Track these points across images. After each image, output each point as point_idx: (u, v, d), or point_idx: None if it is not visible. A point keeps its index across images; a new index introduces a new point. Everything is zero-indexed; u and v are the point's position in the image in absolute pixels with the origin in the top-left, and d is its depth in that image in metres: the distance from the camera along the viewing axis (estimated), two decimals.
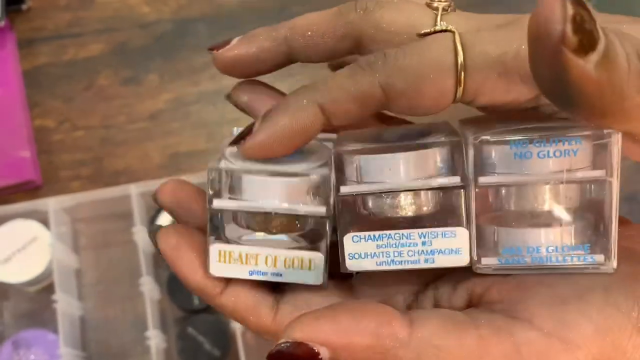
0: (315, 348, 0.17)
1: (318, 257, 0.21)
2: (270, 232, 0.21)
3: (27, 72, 0.60)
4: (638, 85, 0.16)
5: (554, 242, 0.19)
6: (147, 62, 0.63)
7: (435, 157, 0.20)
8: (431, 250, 0.20)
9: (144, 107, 0.61)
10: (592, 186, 0.19)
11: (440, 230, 0.20)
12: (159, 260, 0.54)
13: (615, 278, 0.19)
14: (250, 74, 0.24)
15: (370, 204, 0.21)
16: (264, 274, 0.21)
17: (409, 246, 0.20)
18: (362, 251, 0.21)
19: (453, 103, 0.21)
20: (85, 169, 0.57)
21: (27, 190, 0.55)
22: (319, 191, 0.21)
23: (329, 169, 0.21)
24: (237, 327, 0.48)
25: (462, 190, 0.20)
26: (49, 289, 0.50)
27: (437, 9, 0.21)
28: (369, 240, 0.21)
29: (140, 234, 0.50)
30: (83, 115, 0.60)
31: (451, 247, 0.20)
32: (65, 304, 0.48)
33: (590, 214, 0.20)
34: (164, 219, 0.52)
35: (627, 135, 0.19)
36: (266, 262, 0.21)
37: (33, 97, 0.60)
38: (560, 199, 0.19)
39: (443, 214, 0.21)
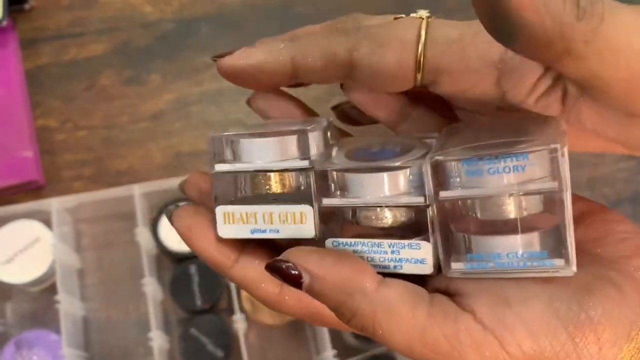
0: (301, 272, 0.21)
1: (307, 210, 0.23)
2: (268, 193, 0.24)
3: (29, 71, 0.60)
4: (574, 12, 0.17)
5: (513, 248, 0.21)
6: (149, 62, 0.63)
7: (406, 176, 0.22)
8: (399, 259, 0.23)
9: (146, 107, 0.61)
10: (547, 196, 0.21)
11: (406, 242, 0.22)
12: (161, 260, 0.54)
13: (568, 286, 0.20)
14: (254, 84, 0.27)
15: (351, 214, 0.23)
16: (263, 231, 0.24)
17: (380, 253, 0.23)
18: None
19: (414, 84, 0.24)
20: (87, 169, 0.57)
21: (29, 190, 0.55)
22: (305, 148, 0.23)
23: (318, 129, 0.24)
24: (240, 327, 0.48)
25: (427, 208, 0.22)
26: (52, 289, 0.50)
27: (421, 17, 0.24)
28: (346, 246, 0.23)
29: (143, 235, 0.50)
30: (85, 115, 0.60)
31: (417, 257, 0.22)
32: (68, 305, 0.48)
33: (547, 222, 0.21)
34: (167, 220, 0.52)
35: (580, 88, 0.20)
36: (264, 219, 0.24)
37: (35, 97, 0.59)
38: (517, 209, 0.21)
39: (415, 226, 0.23)
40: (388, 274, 0.22)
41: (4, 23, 0.58)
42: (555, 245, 0.21)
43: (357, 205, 0.22)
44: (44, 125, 0.59)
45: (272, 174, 0.24)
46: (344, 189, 0.23)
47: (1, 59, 0.59)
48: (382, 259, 0.23)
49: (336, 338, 0.48)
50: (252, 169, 0.24)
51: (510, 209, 0.21)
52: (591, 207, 0.24)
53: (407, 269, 0.22)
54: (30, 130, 0.57)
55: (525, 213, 0.21)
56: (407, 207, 0.22)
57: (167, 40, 0.64)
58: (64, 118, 0.59)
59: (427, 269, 0.22)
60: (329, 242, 0.23)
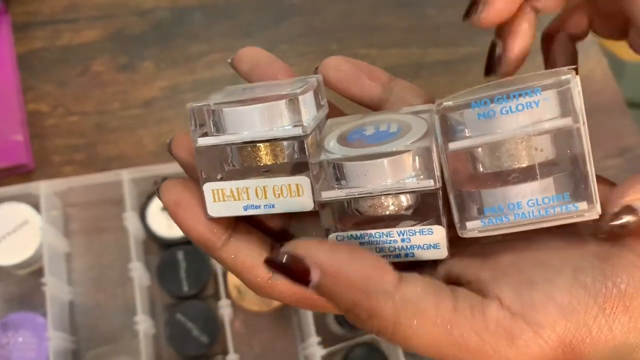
0: (309, 267, 0.19)
1: (304, 181, 0.21)
2: (259, 165, 0.22)
3: (21, 56, 0.60)
4: None
5: (534, 195, 0.19)
6: (143, 50, 0.63)
7: (412, 159, 0.20)
8: (410, 246, 0.21)
9: (139, 94, 0.61)
10: (563, 135, 0.19)
11: (417, 228, 0.21)
12: (149, 246, 0.54)
13: (587, 258, 0.19)
14: None
15: (353, 204, 0.22)
16: (257, 207, 0.22)
17: (389, 243, 0.21)
18: None
19: None
20: (78, 154, 0.57)
21: (19, 174, 0.55)
22: (297, 114, 0.21)
23: (309, 90, 0.22)
24: (225, 314, 0.48)
25: (437, 191, 0.20)
26: (39, 272, 0.50)
27: None
28: (352, 239, 0.22)
29: (131, 220, 0.50)
30: (77, 101, 0.60)
31: (429, 242, 0.21)
32: (54, 288, 0.48)
33: (566, 163, 0.20)
34: (155, 206, 0.53)
35: None
36: (257, 194, 0.22)
37: (27, 81, 0.59)
38: (533, 152, 0.19)
39: (423, 210, 0.21)
40: (399, 263, 0.21)
41: None
42: (575, 189, 0.19)
43: (361, 195, 0.21)
44: (35, 109, 0.59)
45: (261, 145, 0.21)
46: (342, 179, 0.21)
47: None
48: (392, 248, 0.21)
49: (321, 325, 0.49)
50: (239, 141, 0.21)
51: (527, 154, 0.19)
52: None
53: (420, 255, 0.21)
54: (21, 114, 0.57)
55: (542, 157, 0.19)
56: (417, 191, 0.20)
57: (162, 28, 0.64)
58: (56, 103, 0.59)
59: (442, 253, 0.21)
60: (332, 236, 0.22)
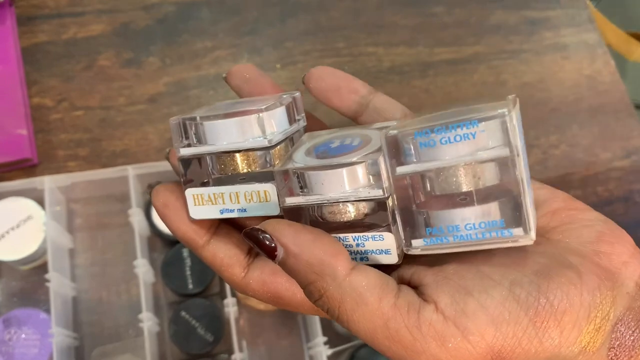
0: (277, 245, 0.21)
1: (271, 188, 0.23)
2: (236, 173, 0.24)
3: (26, 49, 0.60)
4: None
5: (471, 219, 0.21)
6: (148, 45, 0.62)
7: (364, 170, 0.22)
8: (365, 251, 0.23)
9: (144, 89, 0.60)
10: (502, 164, 0.20)
11: (370, 234, 0.22)
12: (154, 243, 0.53)
13: (526, 273, 0.20)
14: None
15: (316, 211, 0.23)
16: (231, 211, 0.24)
17: (345, 247, 0.22)
18: None
19: None
20: (82, 149, 0.57)
21: (23, 168, 0.55)
22: (263, 127, 0.24)
23: (278, 106, 0.25)
24: (230, 312, 0.48)
25: (386, 199, 0.22)
26: (42, 268, 0.49)
27: None
28: None
29: (136, 216, 0.50)
30: (82, 95, 0.59)
31: (381, 248, 0.22)
32: (58, 284, 0.48)
33: (505, 191, 0.21)
34: None
35: None
36: (231, 199, 0.24)
37: (32, 75, 0.59)
38: (472, 180, 0.21)
39: (377, 217, 0.23)
40: None
41: None
42: (513, 215, 0.20)
43: (319, 202, 0.22)
44: (40, 103, 0.58)
45: (236, 155, 0.24)
46: (304, 187, 0.23)
47: None
48: (348, 252, 0.23)
49: (327, 325, 0.48)
50: (215, 151, 0.24)
51: (465, 180, 0.21)
52: (556, 195, 0.24)
53: (373, 259, 0.22)
54: (25, 108, 0.56)
55: (480, 184, 0.20)
56: (368, 200, 0.22)
57: (167, 24, 0.63)
58: (60, 97, 0.59)
59: (392, 258, 0.22)
60: None
